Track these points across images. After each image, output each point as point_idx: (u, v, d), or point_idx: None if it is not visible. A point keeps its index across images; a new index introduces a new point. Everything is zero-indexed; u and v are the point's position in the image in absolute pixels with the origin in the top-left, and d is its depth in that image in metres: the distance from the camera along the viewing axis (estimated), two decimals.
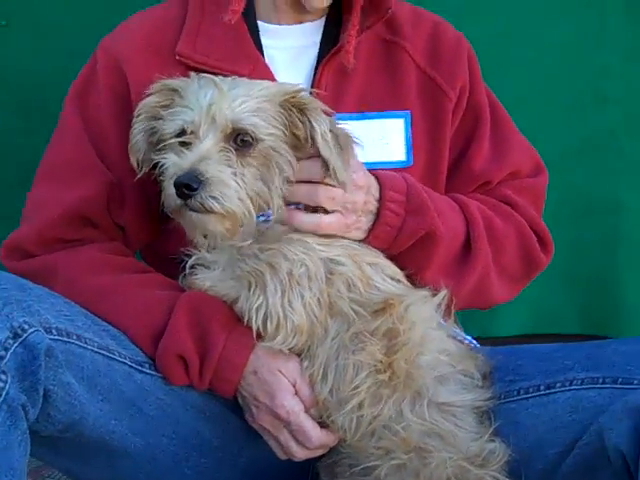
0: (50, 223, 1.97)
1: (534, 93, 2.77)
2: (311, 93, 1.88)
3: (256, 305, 1.78)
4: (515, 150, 2.15)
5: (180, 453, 1.86)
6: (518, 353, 1.95)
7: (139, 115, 1.90)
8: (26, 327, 1.63)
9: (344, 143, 1.79)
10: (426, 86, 2.10)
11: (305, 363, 1.80)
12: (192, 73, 1.89)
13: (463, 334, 1.89)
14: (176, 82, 1.88)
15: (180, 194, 1.72)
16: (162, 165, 1.79)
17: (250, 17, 2.11)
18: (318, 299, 1.79)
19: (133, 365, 1.81)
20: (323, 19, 2.13)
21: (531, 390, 1.85)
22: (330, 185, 1.81)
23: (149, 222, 2.04)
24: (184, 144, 1.79)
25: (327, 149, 1.76)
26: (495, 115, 2.16)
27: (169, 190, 1.75)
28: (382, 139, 2.05)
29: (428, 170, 2.08)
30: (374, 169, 1.90)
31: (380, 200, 1.86)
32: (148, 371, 1.82)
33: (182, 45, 2.04)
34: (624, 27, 2.77)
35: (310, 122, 1.78)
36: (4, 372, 1.59)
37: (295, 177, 1.81)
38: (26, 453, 1.62)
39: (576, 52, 2.80)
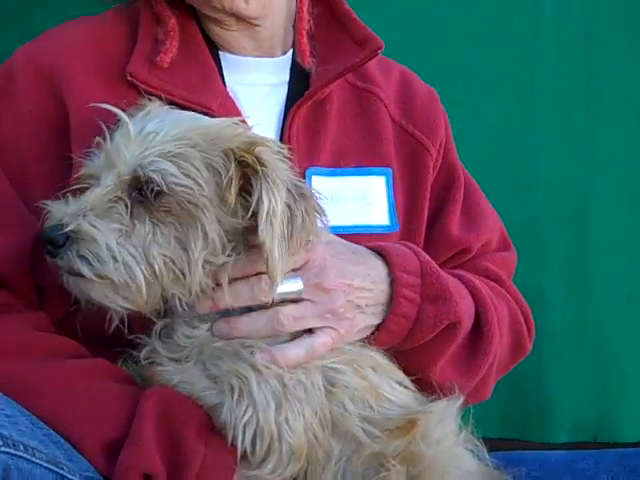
0: None
1: None
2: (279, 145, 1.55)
3: (244, 419, 1.41)
4: (488, 218, 1.97)
5: None
6: (527, 463, 1.72)
7: None
8: None
9: (298, 230, 1.45)
10: (404, 140, 1.89)
11: None
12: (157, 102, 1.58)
13: (480, 444, 1.60)
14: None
15: (46, 250, 1.39)
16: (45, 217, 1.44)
17: (211, 44, 1.80)
18: (319, 417, 1.45)
19: None
20: (290, 54, 1.87)
21: None
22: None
23: None
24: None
25: (268, 233, 1.42)
26: (467, 180, 1.98)
27: None
28: (363, 199, 1.78)
29: (407, 235, 1.83)
30: (379, 241, 1.66)
31: (391, 285, 1.55)
32: None
33: (135, 64, 1.70)
34: (553, 111, 2.66)
35: (260, 190, 1.43)
36: None
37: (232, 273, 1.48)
38: None
39: (505, 135, 2.65)
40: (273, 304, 1.50)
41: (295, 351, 1.49)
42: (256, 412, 1.42)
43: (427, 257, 1.64)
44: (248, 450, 1.42)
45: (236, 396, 1.42)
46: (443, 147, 1.93)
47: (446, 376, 1.68)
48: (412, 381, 1.60)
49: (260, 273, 1.48)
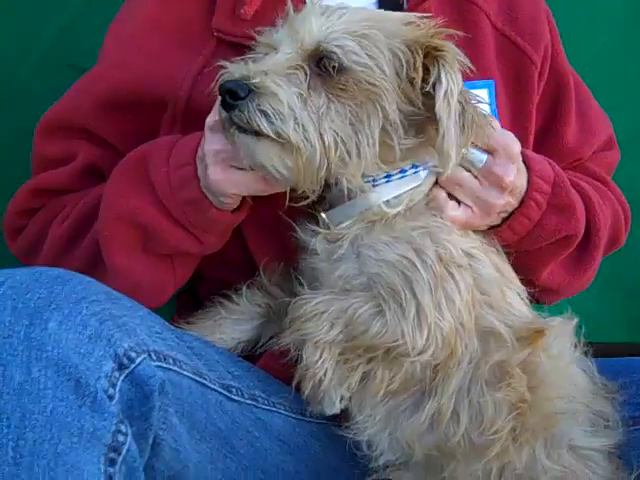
0: None
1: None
2: None
3: (412, 314, 1.42)
4: (599, 122, 1.93)
5: None
6: (638, 370, 1.70)
7: None
8: (133, 355, 1.31)
9: (469, 123, 1.43)
10: (507, 49, 1.81)
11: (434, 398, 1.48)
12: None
13: (592, 364, 1.62)
14: None
15: (224, 103, 1.38)
16: (220, 79, 1.43)
17: None
18: (469, 302, 1.45)
19: (223, 392, 1.52)
20: None
21: None
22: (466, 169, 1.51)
23: None
24: None
25: (446, 110, 1.40)
26: (576, 82, 1.91)
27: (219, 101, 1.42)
28: None
29: None
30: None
31: (527, 186, 1.57)
32: (236, 397, 1.54)
33: (219, 19, 1.71)
34: None
35: (439, 73, 1.42)
36: (122, 421, 1.26)
37: None
38: None
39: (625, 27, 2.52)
40: None
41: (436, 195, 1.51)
42: (418, 300, 1.42)
43: (561, 171, 1.65)
44: (414, 345, 1.43)
45: (404, 294, 1.42)
46: (549, 53, 1.86)
47: (554, 278, 1.73)
48: None
49: None
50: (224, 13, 1.70)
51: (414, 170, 1.49)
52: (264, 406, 1.58)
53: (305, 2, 1.67)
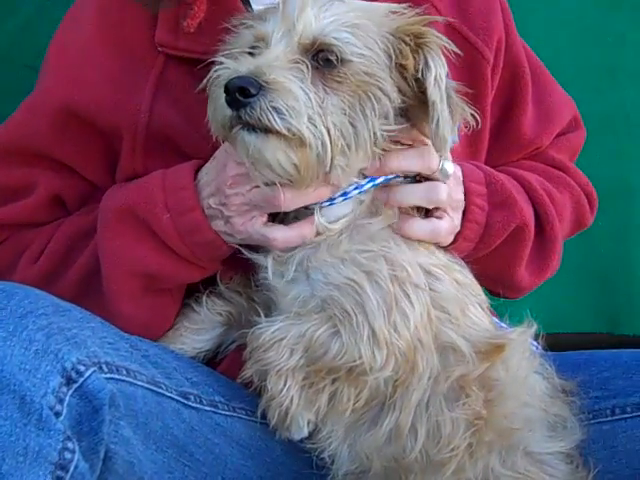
0: None
1: None
2: None
3: (365, 335, 1.43)
4: (560, 106, 1.92)
5: None
6: (597, 363, 1.72)
7: None
8: (81, 368, 1.30)
9: (455, 107, 1.45)
10: (458, 45, 1.73)
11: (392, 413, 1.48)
12: None
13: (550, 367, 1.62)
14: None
15: (232, 101, 1.34)
16: (215, 76, 1.40)
17: None
18: (425, 320, 1.46)
19: (180, 399, 1.52)
20: None
21: (629, 409, 1.63)
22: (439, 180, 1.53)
23: None
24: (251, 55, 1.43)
25: (438, 94, 1.41)
26: (533, 68, 1.88)
27: (218, 100, 1.37)
28: None
29: (467, 147, 1.78)
30: None
31: (464, 194, 1.59)
32: (194, 404, 1.54)
33: (162, 33, 1.67)
34: None
35: (426, 59, 1.43)
36: (69, 438, 1.24)
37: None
38: None
39: (589, 19, 2.52)
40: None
41: (424, 226, 1.52)
42: (370, 323, 1.42)
43: (488, 168, 1.67)
44: (372, 363, 1.43)
45: (354, 315, 1.43)
46: (503, 44, 1.83)
47: (525, 281, 1.75)
48: None
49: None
50: (167, 27, 1.67)
51: (357, 191, 1.49)
52: (224, 411, 1.59)
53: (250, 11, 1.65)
